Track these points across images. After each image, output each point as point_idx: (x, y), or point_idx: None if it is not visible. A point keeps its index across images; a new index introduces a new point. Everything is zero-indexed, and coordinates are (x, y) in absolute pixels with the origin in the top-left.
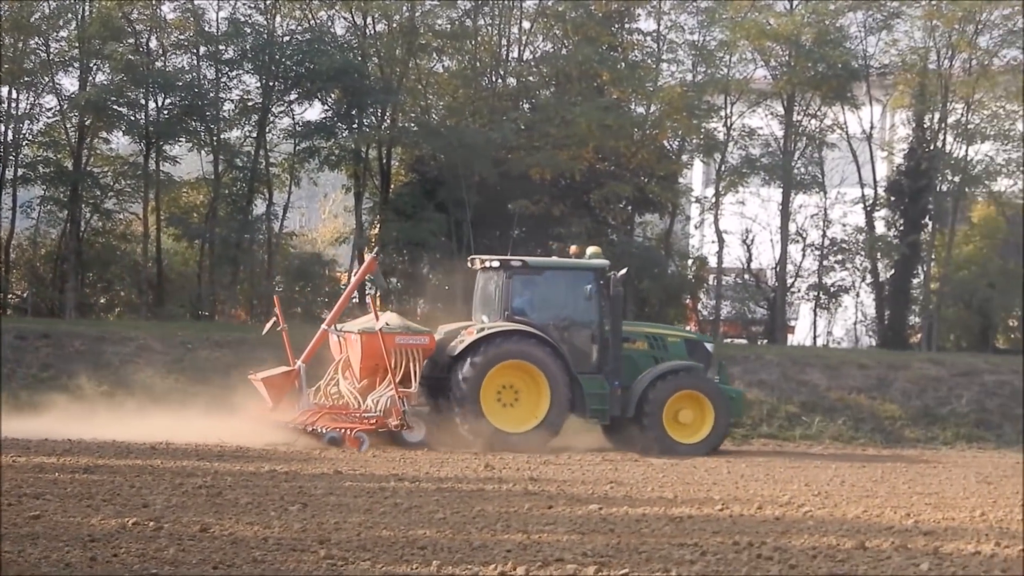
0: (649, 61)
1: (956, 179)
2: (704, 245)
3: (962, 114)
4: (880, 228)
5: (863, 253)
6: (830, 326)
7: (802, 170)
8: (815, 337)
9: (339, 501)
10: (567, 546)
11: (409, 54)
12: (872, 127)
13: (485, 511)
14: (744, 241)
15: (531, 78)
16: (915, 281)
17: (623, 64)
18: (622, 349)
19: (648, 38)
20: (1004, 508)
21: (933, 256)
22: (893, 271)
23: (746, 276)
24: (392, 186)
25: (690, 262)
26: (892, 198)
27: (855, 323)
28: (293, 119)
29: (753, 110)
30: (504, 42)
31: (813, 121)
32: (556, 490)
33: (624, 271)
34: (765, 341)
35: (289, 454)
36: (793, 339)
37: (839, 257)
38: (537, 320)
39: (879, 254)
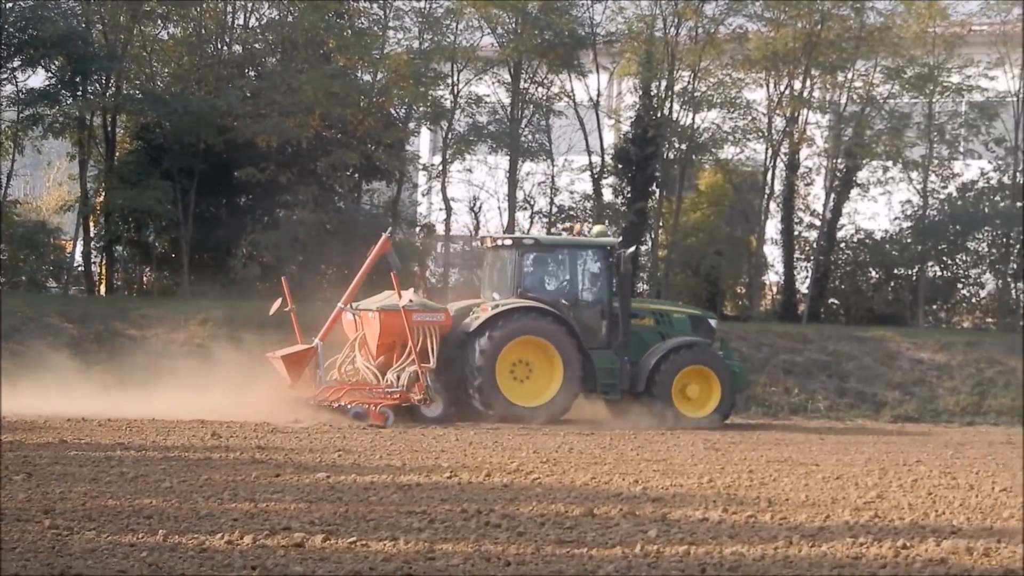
0: (376, 28)
1: (683, 147)
2: (432, 213)
3: (688, 82)
4: (608, 195)
5: (590, 220)
6: None
7: (529, 138)
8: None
9: (65, 471)
10: (295, 514)
11: (134, 21)
12: (599, 95)
13: (212, 480)
14: (472, 208)
15: (257, 45)
16: (643, 248)
17: (349, 31)
18: (631, 325)
19: (375, 5)
20: (732, 474)
21: (661, 223)
22: (621, 238)
23: (474, 243)
24: (117, 154)
25: (418, 229)
26: (619, 166)
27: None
28: (16, 86)
29: (480, 78)
30: (229, 9)
31: (540, 89)
32: (284, 459)
33: (634, 248)
34: None
35: (14, 424)
36: None
37: (567, 224)
38: (548, 297)
39: (607, 221)
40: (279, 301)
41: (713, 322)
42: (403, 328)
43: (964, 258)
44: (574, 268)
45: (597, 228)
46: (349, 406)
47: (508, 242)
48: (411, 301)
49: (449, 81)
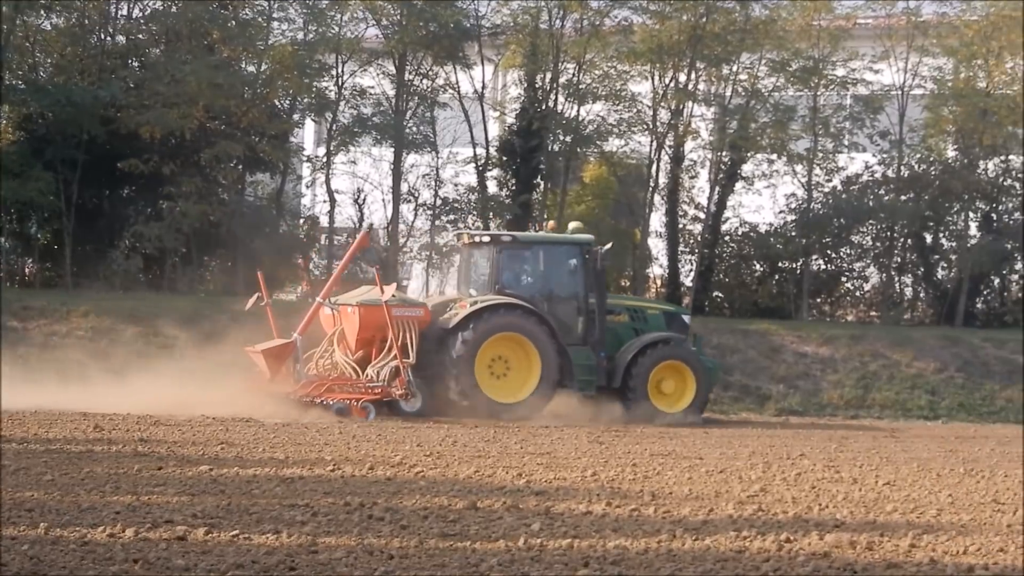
0: (260, 19)
1: (568, 139)
2: (316, 204)
3: (573, 74)
4: (492, 188)
5: (475, 213)
6: (442, 286)
7: (414, 130)
8: (427, 297)
9: None
10: (177, 507)
11: (16, 11)
12: (484, 87)
13: (94, 473)
14: (356, 200)
15: (140, 36)
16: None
17: (234, 22)
18: (606, 321)
19: None
20: (615, 468)
21: (545, 216)
22: (506, 230)
23: (358, 236)
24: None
25: (301, 221)
26: (504, 158)
27: None
28: None
29: (365, 69)
30: None
31: (425, 81)
32: (166, 451)
33: (609, 245)
34: None
35: None
36: None
37: (451, 217)
38: (525, 293)
39: (491, 214)
40: (255, 296)
41: (686, 318)
42: (383, 323)
43: (848, 251)
44: (551, 265)
45: (573, 225)
46: (331, 402)
47: (486, 239)
48: (393, 296)
49: (334, 73)
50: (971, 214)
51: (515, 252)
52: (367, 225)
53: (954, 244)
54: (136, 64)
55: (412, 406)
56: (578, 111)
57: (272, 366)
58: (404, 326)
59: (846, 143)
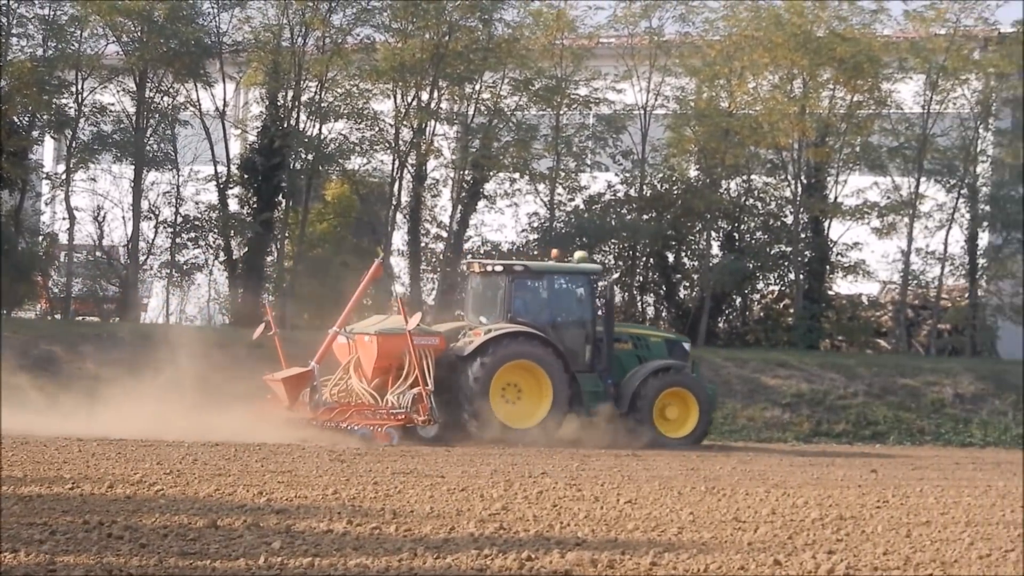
0: None
1: (310, 157)
2: (55, 222)
3: (316, 92)
4: (233, 206)
5: (216, 231)
6: (183, 304)
7: (154, 147)
8: (168, 315)
9: None
10: None
11: None
12: (225, 104)
13: None
14: (96, 218)
15: None
16: (269, 259)
17: None
18: (614, 349)
19: None
20: (356, 486)
21: (287, 234)
22: (247, 249)
23: (98, 253)
24: None
25: (41, 239)
26: (245, 176)
27: (208, 301)
28: None
29: (105, 86)
30: None
31: (166, 98)
32: None
33: (617, 275)
34: (118, 319)
35: None
36: (146, 317)
37: (192, 235)
38: (536, 321)
39: (232, 232)
40: (262, 326)
41: (687, 346)
42: (400, 351)
43: None
44: (560, 293)
45: (579, 255)
46: (356, 427)
47: (498, 268)
48: (417, 325)
49: (73, 89)
50: (713, 233)
51: (526, 281)
52: (380, 256)
53: (696, 263)
54: None
55: (430, 431)
56: (320, 129)
57: (291, 394)
58: (422, 354)
59: (588, 162)
